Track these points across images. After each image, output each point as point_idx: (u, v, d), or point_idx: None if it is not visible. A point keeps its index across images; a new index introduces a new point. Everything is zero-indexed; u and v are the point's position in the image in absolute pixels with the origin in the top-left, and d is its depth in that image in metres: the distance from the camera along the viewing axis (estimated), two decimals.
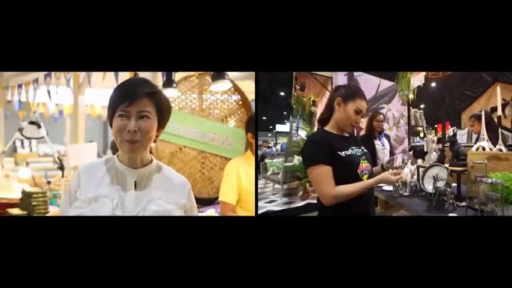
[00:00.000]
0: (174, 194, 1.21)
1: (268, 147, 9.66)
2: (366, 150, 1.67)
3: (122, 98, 1.12)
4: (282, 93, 6.76)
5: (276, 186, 5.40)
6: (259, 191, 5.69)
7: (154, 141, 1.19)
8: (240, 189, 2.15)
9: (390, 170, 1.63)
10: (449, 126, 4.48)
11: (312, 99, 5.23)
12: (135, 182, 1.17)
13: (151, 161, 1.22)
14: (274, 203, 4.94)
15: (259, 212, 4.43)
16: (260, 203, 4.87)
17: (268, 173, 6.05)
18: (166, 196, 1.19)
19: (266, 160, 6.60)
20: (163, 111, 1.17)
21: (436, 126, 5.48)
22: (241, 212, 2.15)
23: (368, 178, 1.57)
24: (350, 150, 1.57)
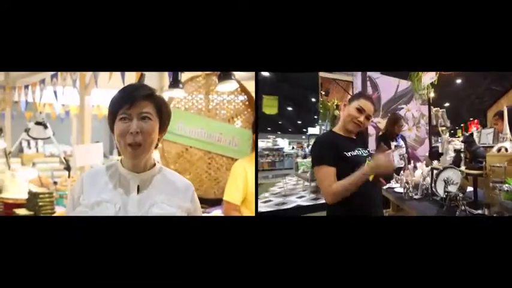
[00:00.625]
0: (177, 197, 1.26)
1: (301, 147, 10.75)
2: (372, 152, 1.75)
3: (122, 102, 1.18)
4: (313, 99, 7.18)
5: (306, 183, 6.07)
6: (292, 187, 6.62)
7: (156, 146, 1.24)
8: (246, 190, 2.25)
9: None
10: (475, 126, 4.42)
11: (335, 103, 5.46)
12: (138, 186, 1.22)
13: (155, 165, 1.28)
14: (303, 198, 5.60)
15: (291, 206, 5.11)
16: (292, 198, 5.62)
17: (299, 171, 6.82)
18: (169, 200, 1.24)
19: (298, 160, 7.45)
20: (163, 113, 1.23)
21: (462, 125, 5.43)
22: (246, 212, 2.25)
23: (374, 179, 1.65)
24: (356, 151, 1.67)
